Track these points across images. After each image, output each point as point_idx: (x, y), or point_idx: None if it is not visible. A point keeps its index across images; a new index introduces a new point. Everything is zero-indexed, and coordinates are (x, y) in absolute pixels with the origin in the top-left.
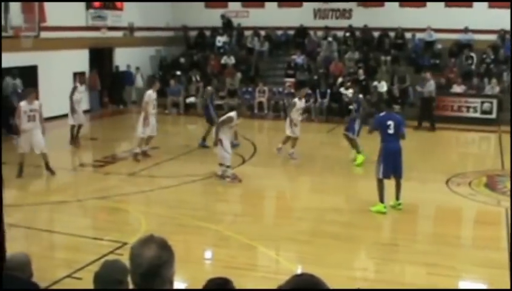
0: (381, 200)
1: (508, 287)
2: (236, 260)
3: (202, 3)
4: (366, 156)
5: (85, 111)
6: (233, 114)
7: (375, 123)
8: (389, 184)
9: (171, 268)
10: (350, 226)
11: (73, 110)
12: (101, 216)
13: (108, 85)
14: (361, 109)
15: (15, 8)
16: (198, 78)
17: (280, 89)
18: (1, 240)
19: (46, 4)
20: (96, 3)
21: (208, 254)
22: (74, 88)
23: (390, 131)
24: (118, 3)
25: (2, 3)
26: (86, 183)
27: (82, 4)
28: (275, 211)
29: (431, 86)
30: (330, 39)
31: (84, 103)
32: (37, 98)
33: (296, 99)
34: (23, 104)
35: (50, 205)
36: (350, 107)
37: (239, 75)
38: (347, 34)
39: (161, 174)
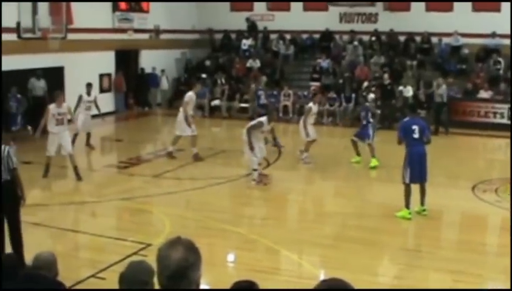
0: (407, 206)
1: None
2: (260, 263)
3: (227, 6)
4: (380, 162)
5: (111, 113)
6: (263, 119)
7: (401, 129)
8: (414, 189)
9: (198, 270)
10: (374, 231)
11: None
12: (125, 217)
13: (133, 87)
14: (369, 114)
15: (43, 9)
16: (223, 81)
17: (305, 93)
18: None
19: (73, 6)
20: (123, 6)
21: (232, 257)
22: (79, 99)
23: (415, 135)
24: (144, 6)
25: (31, 5)
26: (111, 184)
27: (109, 6)
28: (299, 215)
29: (443, 91)
30: (355, 43)
31: (109, 105)
32: (63, 100)
33: (311, 104)
34: (52, 107)
35: (75, 205)
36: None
37: (264, 78)
38: (373, 38)
39: (185, 176)
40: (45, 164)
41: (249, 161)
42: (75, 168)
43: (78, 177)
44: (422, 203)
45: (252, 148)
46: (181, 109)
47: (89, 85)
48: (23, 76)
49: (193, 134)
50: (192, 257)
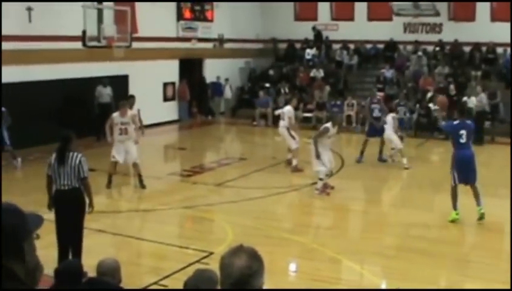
0: (454, 207)
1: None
2: (321, 273)
3: (291, 16)
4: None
5: (174, 121)
6: (328, 125)
7: (448, 127)
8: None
9: (261, 278)
10: (437, 242)
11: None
12: (187, 225)
13: (197, 96)
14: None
15: (108, 18)
16: (287, 90)
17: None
18: None
19: (138, 15)
20: (187, 15)
21: (293, 266)
22: (111, 119)
23: (463, 140)
24: (209, 15)
25: (97, 14)
26: (174, 192)
27: (173, 15)
28: (361, 225)
29: (482, 99)
30: (420, 53)
31: (173, 114)
32: (131, 107)
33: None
34: (115, 116)
35: (138, 212)
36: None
37: (327, 88)
38: (437, 48)
39: (247, 185)
40: (108, 173)
41: (316, 171)
42: (139, 177)
43: (142, 185)
44: (478, 203)
45: (317, 156)
46: (281, 124)
47: (122, 105)
48: (88, 83)
49: (297, 146)
50: (255, 265)
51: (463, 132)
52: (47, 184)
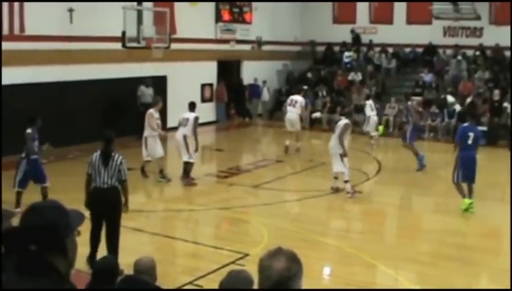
0: (463, 196)
1: None
2: (355, 278)
3: (330, 19)
4: None
5: (211, 123)
6: (347, 121)
7: (459, 133)
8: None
9: (300, 281)
10: (473, 249)
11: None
12: (223, 226)
13: (234, 98)
14: (408, 115)
15: (147, 19)
16: (325, 93)
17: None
18: None
19: (177, 16)
20: (226, 17)
21: (328, 270)
22: (197, 120)
23: (469, 141)
24: (247, 17)
25: (136, 15)
26: (210, 193)
27: (212, 17)
28: (397, 230)
29: None
30: (459, 57)
31: (210, 115)
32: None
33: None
34: (153, 111)
35: (175, 212)
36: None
37: (366, 91)
38: (478, 53)
39: (284, 187)
40: (141, 168)
41: (340, 172)
42: (161, 171)
43: (163, 176)
44: (470, 197)
45: (345, 154)
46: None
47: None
48: (128, 84)
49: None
50: (294, 268)
51: (471, 134)
52: (86, 183)
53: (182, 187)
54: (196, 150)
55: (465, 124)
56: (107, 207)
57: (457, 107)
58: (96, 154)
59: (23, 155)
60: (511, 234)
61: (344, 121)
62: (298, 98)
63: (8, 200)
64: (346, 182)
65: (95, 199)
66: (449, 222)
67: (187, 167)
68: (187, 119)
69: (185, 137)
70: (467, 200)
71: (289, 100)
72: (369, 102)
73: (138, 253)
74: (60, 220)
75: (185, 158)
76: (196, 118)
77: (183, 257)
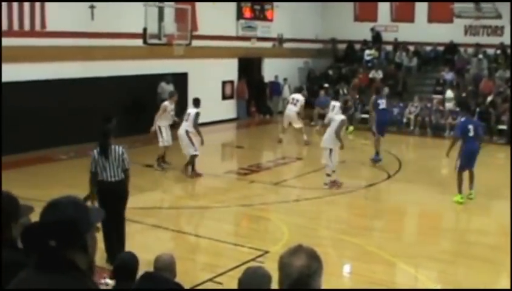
0: (460, 191)
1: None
2: (376, 276)
3: (351, 17)
4: None
5: (232, 120)
6: (343, 117)
7: (459, 128)
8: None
9: (320, 278)
10: (495, 248)
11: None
12: (243, 223)
13: (255, 95)
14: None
15: (169, 16)
16: (346, 91)
17: (428, 105)
18: None
19: (198, 13)
20: (247, 14)
21: (348, 268)
22: (198, 115)
23: (471, 134)
24: (268, 14)
25: (158, 11)
26: (231, 190)
27: (233, 14)
28: (418, 229)
29: None
30: (480, 56)
31: (231, 112)
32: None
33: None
34: (168, 104)
35: (195, 209)
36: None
37: (386, 90)
38: (498, 51)
39: (304, 185)
40: (160, 156)
41: (326, 165)
42: (160, 158)
43: (159, 165)
44: (471, 187)
45: (342, 147)
46: None
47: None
48: (149, 80)
49: None
50: (315, 265)
51: (470, 127)
52: (90, 180)
53: (202, 183)
54: (202, 143)
55: (463, 119)
56: (116, 199)
57: (451, 104)
58: (96, 151)
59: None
60: (511, 234)
61: (341, 117)
62: (300, 97)
63: (23, 196)
64: (327, 175)
65: (104, 192)
66: (472, 220)
67: (192, 159)
68: (189, 114)
69: (187, 132)
70: (459, 197)
71: (290, 99)
72: (336, 103)
73: (158, 250)
74: (80, 216)
75: (191, 151)
76: (197, 113)
77: (203, 254)
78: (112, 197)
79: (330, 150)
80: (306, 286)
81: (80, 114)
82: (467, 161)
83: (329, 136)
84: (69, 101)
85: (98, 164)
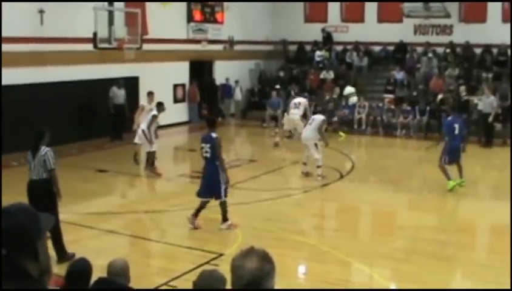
0: (449, 178)
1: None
2: (331, 275)
3: (301, 18)
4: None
5: (184, 123)
6: (322, 117)
7: (446, 126)
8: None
9: (273, 280)
10: (447, 245)
11: (151, 140)
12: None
13: (207, 98)
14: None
15: (119, 20)
16: (297, 92)
17: (380, 104)
18: None
19: (148, 17)
20: (197, 17)
21: (303, 268)
22: (154, 118)
23: (456, 131)
24: (219, 17)
25: (108, 15)
26: (184, 194)
27: (184, 17)
28: (371, 228)
29: (493, 102)
30: (430, 55)
31: (183, 115)
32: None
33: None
34: (145, 104)
35: (148, 213)
36: None
37: (337, 90)
38: (448, 50)
39: (257, 187)
40: (134, 154)
41: (317, 159)
42: (135, 155)
43: (135, 161)
44: (461, 176)
45: (326, 144)
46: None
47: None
48: (101, 85)
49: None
50: (267, 267)
51: (456, 125)
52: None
53: (156, 188)
54: (156, 137)
55: (449, 118)
56: (38, 197)
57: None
58: (29, 152)
59: None
60: (511, 234)
61: (321, 117)
62: (302, 100)
63: None
64: (318, 167)
65: (28, 190)
66: (424, 218)
67: (150, 156)
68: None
69: (143, 131)
70: (452, 182)
71: (292, 104)
72: (302, 100)
73: (113, 255)
74: (30, 223)
75: (147, 149)
76: (153, 116)
77: (158, 258)
78: (36, 196)
79: (316, 144)
80: (259, 288)
81: (30, 121)
82: (452, 156)
83: (310, 132)
84: (19, 107)
85: (28, 163)
